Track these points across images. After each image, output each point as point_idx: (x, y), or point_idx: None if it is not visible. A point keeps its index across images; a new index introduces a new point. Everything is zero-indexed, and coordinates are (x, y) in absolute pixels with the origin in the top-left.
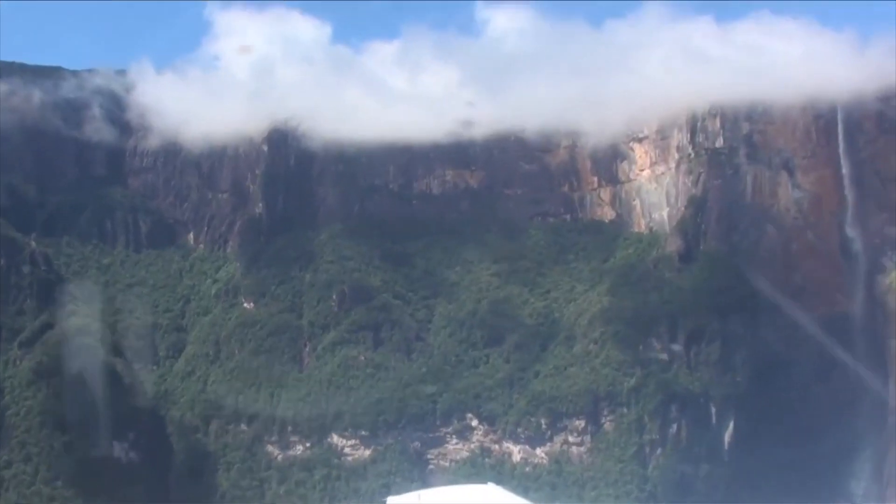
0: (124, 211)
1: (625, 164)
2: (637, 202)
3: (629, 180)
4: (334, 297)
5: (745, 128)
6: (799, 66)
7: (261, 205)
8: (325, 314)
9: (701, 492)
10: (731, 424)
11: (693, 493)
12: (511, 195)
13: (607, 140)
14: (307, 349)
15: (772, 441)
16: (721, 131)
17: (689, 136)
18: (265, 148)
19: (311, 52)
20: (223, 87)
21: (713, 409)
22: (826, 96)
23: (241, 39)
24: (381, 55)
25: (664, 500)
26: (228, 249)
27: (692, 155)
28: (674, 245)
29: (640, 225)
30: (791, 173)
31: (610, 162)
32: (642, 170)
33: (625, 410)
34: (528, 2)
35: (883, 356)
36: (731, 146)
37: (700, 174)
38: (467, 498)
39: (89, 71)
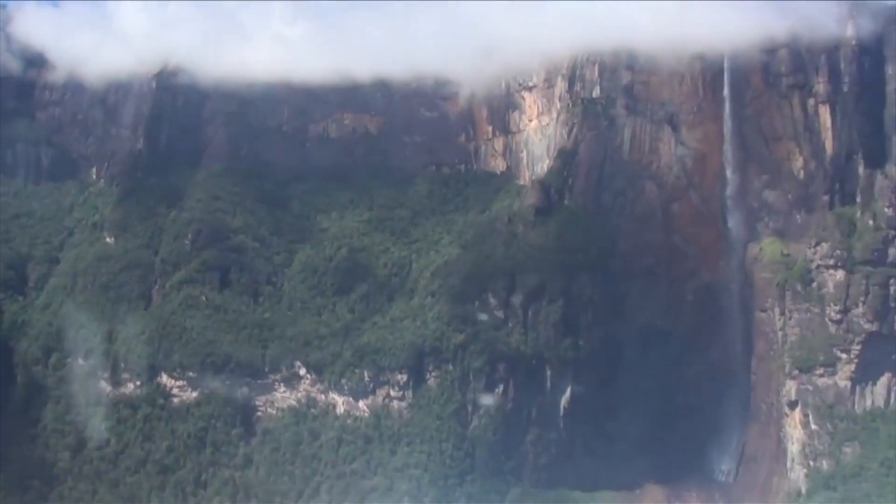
0: (27, 143)
1: (516, 114)
2: (524, 154)
3: (519, 131)
4: (189, 235)
5: (626, 77)
6: (686, 12)
7: (142, 141)
8: (178, 252)
9: (525, 455)
10: (569, 389)
11: (516, 455)
12: (409, 143)
13: (502, 88)
14: (156, 287)
15: (621, 411)
16: (598, 80)
17: (567, 85)
18: (153, 85)
19: None
20: (119, 23)
21: (548, 372)
22: (714, 46)
23: None
24: None
25: (481, 460)
26: None
27: (570, 105)
28: (532, 199)
29: (525, 177)
30: (675, 128)
31: (504, 111)
32: (531, 120)
33: (450, 367)
34: None
35: (750, 330)
36: (608, 96)
37: (573, 125)
38: None
39: None
